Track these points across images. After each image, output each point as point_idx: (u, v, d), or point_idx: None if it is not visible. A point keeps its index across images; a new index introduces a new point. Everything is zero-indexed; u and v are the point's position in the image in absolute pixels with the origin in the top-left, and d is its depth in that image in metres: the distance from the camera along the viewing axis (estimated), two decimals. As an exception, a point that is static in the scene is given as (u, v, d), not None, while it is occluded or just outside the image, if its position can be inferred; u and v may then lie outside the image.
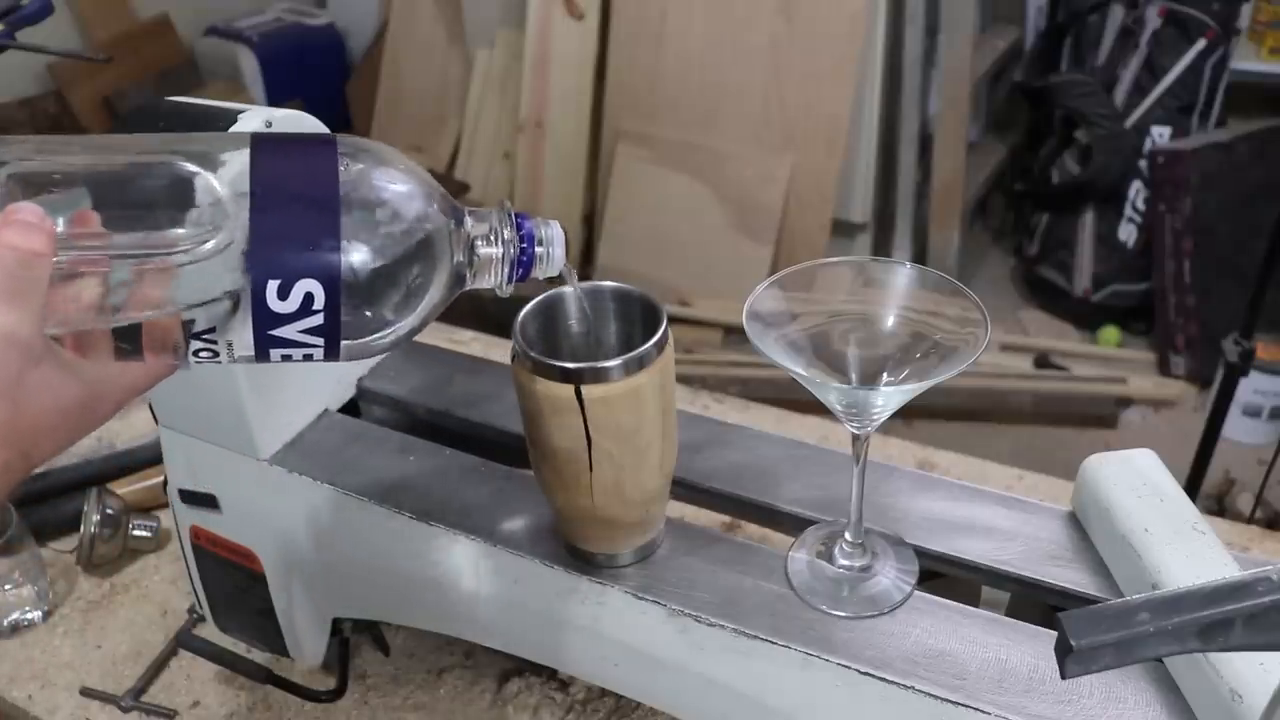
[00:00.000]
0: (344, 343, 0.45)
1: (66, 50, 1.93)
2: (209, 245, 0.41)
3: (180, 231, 0.41)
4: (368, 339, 0.45)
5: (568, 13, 2.49)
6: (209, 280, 0.42)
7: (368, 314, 0.44)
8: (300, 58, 3.07)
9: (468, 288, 0.49)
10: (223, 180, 0.42)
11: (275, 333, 0.43)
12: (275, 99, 2.97)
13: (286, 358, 0.45)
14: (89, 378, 0.43)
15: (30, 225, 0.39)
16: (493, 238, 0.49)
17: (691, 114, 2.43)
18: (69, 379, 0.42)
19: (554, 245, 0.50)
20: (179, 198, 0.42)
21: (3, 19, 0.88)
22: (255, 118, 0.58)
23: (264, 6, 3.16)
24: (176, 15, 2.95)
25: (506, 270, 0.50)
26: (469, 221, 0.49)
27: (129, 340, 0.44)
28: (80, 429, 0.43)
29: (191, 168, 0.43)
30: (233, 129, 0.58)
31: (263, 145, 0.44)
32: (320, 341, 0.44)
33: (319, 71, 3.13)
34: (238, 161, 0.43)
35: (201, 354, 0.44)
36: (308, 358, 0.45)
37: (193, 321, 0.43)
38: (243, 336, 0.43)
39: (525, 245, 0.50)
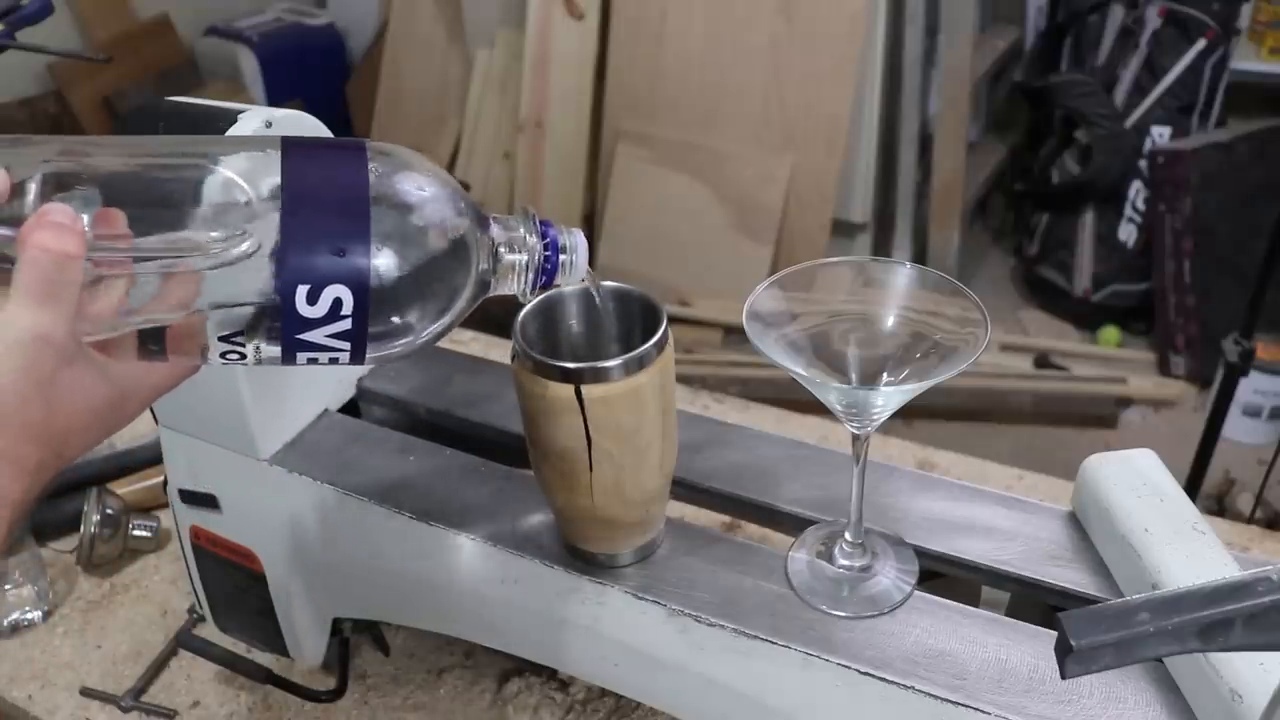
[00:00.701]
0: (369, 347, 0.45)
1: (66, 50, 1.93)
2: (238, 249, 0.41)
3: (209, 235, 0.41)
4: (393, 343, 0.45)
5: (568, 13, 2.49)
6: (237, 284, 0.42)
7: (395, 319, 0.44)
8: (300, 58, 3.07)
9: (492, 294, 0.49)
10: (252, 184, 0.42)
11: (303, 337, 0.43)
12: (275, 99, 2.97)
13: (313, 361, 0.45)
14: (117, 377, 0.43)
15: (62, 227, 0.39)
16: (517, 245, 0.49)
17: (691, 114, 2.43)
18: (99, 379, 0.42)
19: (577, 253, 0.50)
20: (208, 200, 0.42)
21: (3, 19, 0.88)
22: (255, 118, 0.58)
23: (264, 6, 3.16)
24: (176, 15, 2.95)
25: (530, 277, 0.50)
26: (494, 228, 0.49)
27: (155, 341, 0.44)
28: (108, 428, 0.44)
29: (221, 171, 0.43)
30: (232, 130, 0.58)
31: (293, 150, 0.44)
32: (347, 346, 0.44)
33: (319, 71, 3.12)
34: (267, 165, 0.43)
35: (228, 355, 0.44)
36: (334, 361, 0.45)
37: (219, 324, 0.43)
38: (270, 340, 0.43)
39: (550, 253, 0.50)
